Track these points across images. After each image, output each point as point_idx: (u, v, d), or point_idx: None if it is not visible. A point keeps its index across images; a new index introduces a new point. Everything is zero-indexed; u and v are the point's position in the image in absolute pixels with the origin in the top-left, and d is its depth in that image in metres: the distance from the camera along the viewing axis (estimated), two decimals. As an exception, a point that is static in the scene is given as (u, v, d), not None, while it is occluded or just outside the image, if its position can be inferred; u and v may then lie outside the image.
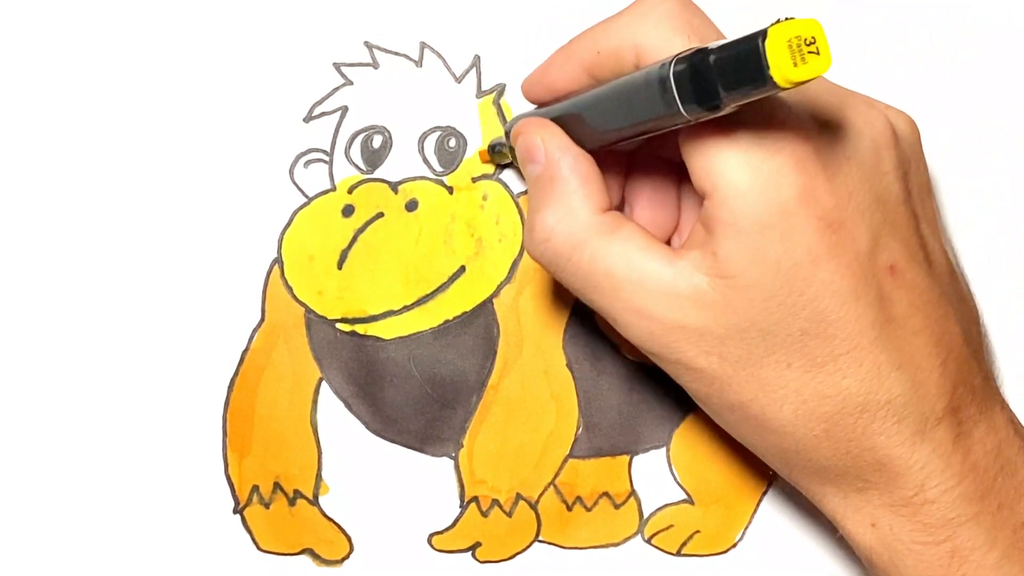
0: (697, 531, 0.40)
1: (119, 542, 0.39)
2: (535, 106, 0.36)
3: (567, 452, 0.40)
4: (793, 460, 0.32)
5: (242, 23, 0.39)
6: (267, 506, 0.40)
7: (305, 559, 0.40)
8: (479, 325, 0.40)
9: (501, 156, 0.38)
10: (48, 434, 0.39)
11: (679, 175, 0.36)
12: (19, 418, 0.39)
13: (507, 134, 0.36)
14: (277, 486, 0.40)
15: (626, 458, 0.40)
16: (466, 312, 0.39)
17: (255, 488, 0.40)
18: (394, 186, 0.39)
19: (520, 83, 0.36)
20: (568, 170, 0.32)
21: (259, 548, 0.40)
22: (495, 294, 0.40)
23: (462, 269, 0.39)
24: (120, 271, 0.39)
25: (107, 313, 0.39)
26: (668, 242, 0.36)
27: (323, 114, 0.39)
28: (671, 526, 0.40)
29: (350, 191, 0.39)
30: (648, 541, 0.40)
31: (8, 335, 0.39)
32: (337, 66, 0.39)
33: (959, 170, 0.40)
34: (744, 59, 0.25)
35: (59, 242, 0.39)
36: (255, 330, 0.39)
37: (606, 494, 0.40)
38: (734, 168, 0.29)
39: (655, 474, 0.40)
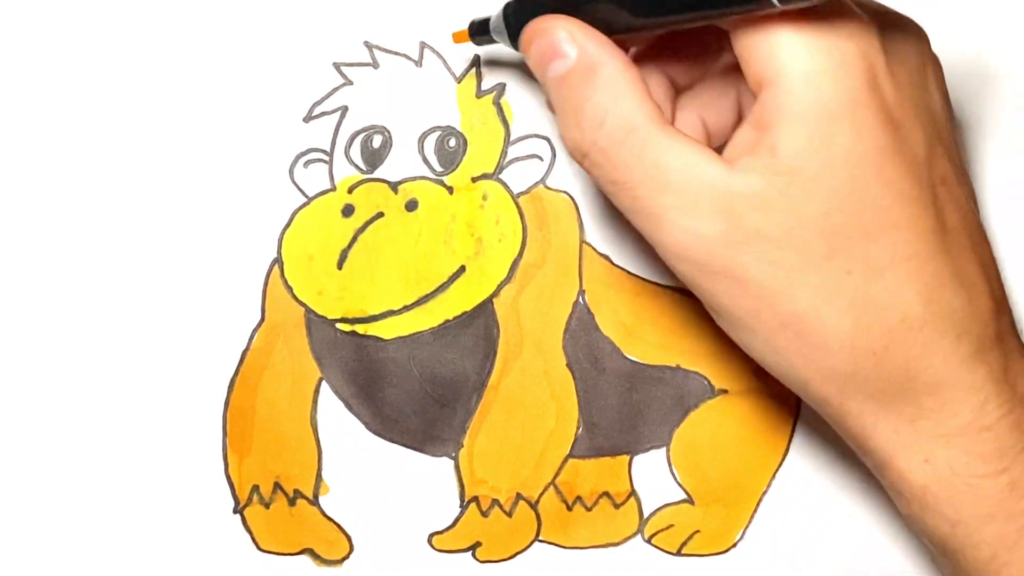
0: (697, 531, 0.40)
1: (119, 542, 0.39)
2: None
3: (567, 452, 0.40)
4: (846, 383, 0.30)
5: (242, 23, 0.39)
6: (267, 506, 0.40)
7: (305, 559, 0.40)
8: (479, 325, 0.40)
9: (485, 39, 0.35)
10: (48, 434, 0.39)
11: (673, 93, 0.34)
12: (19, 418, 0.39)
13: (506, 17, 0.33)
14: (277, 486, 0.40)
15: (626, 458, 0.40)
16: (466, 312, 0.39)
17: (255, 488, 0.40)
18: (394, 186, 0.39)
19: (520, 83, 0.35)
20: (607, 56, 0.30)
21: (259, 548, 0.40)
22: (495, 294, 0.40)
23: (462, 269, 0.39)
24: (120, 271, 0.39)
25: (107, 313, 0.39)
26: None
27: (323, 114, 0.39)
28: (671, 526, 0.40)
29: (350, 191, 0.39)
30: (648, 541, 0.40)
31: (8, 335, 0.39)
32: (337, 66, 0.39)
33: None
34: None
35: (59, 242, 0.39)
36: (255, 330, 0.39)
37: (606, 494, 0.40)
38: (801, 54, 0.27)
39: (655, 474, 0.40)
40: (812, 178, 0.28)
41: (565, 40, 0.30)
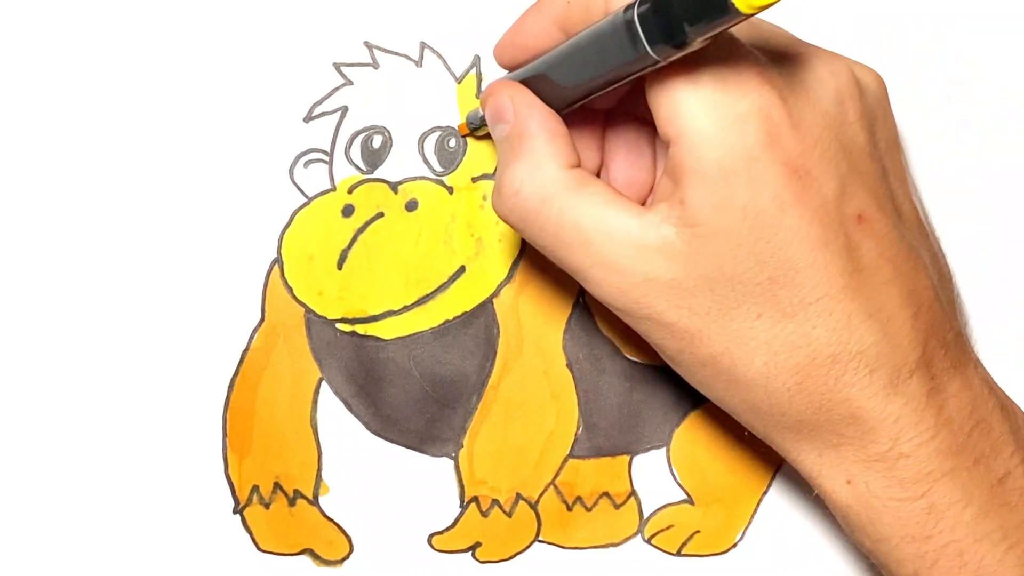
0: (697, 531, 0.40)
1: (119, 542, 0.39)
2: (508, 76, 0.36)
3: (567, 452, 0.40)
4: (767, 416, 0.32)
5: (242, 23, 0.39)
6: (267, 506, 0.40)
7: (305, 559, 0.40)
8: (479, 325, 0.40)
9: (480, 127, 0.38)
10: (49, 434, 0.39)
11: (654, 135, 0.36)
12: (19, 418, 0.39)
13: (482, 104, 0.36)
14: (277, 486, 0.40)
15: (626, 458, 0.40)
16: (466, 312, 0.39)
17: (255, 488, 0.40)
18: (394, 186, 0.39)
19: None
20: (536, 126, 0.32)
21: (259, 548, 0.40)
22: (495, 294, 0.40)
23: (462, 269, 0.39)
24: (120, 271, 0.39)
25: (107, 313, 0.39)
26: (643, 203, 0.35)
27: (323, 114, 0.39)
28: (671, 526, 0.40)
29: (350, 191, 0.39)
30: (648, 541, 0.40)
31: (9, 335, 0.39)
32: (337, 66, 0.39)
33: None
34: None
35: (60, 242, 0.39)
36: (255, 330, 0.39)
37: (606, 494, 0.40)
38: (699, 114, 0.29)
39: (655, 474, 0.40)
40: (716, 231, 0.29)
41: (506, 106, 0.33)
